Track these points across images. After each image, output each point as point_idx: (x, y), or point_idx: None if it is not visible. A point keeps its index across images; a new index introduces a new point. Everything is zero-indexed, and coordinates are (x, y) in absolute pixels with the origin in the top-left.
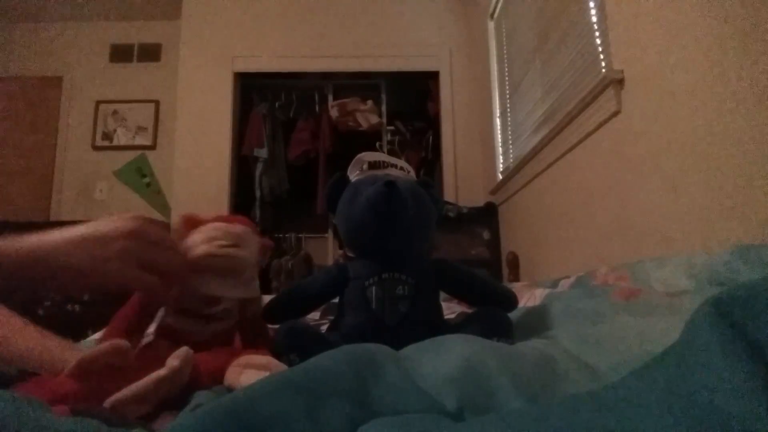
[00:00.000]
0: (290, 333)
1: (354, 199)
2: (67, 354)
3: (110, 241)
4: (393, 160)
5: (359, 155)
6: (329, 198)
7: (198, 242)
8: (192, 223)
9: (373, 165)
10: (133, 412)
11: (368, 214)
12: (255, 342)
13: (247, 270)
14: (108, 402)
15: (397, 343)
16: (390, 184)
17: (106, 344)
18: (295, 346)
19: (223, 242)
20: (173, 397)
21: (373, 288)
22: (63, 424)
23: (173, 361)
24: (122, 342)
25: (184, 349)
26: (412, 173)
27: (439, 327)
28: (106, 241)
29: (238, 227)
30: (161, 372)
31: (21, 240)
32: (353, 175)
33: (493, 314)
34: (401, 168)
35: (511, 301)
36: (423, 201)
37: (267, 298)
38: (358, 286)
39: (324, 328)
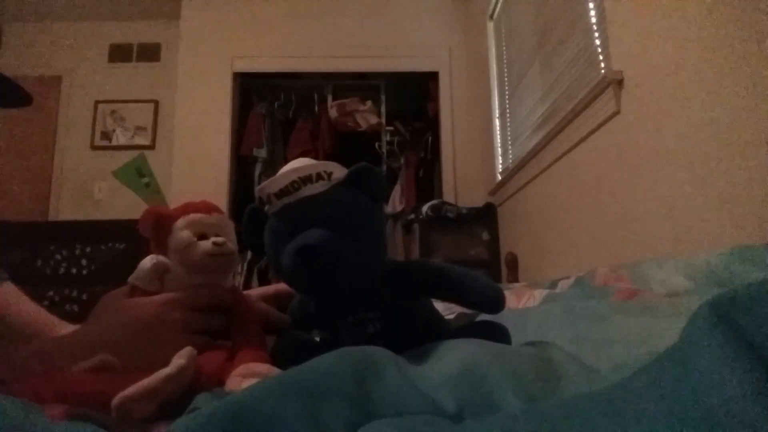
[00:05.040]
0: (290, 346)
1: (276, 255)
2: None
3: (159, 325)
4: (305, 170)
5: (261, 185)
6: (249, 241)
7: (190, 239)
8: (164, 218)
9: (281, 194)
10: (139, 411)
11: (298, 281)
12: (250, 340)
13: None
14: (116, 399)
15: None
16: (304, 253)
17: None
18: (295, 359)
19: (219, 239)
20: (176, 396)
21: (344, 333)
22: (58, 429)
23: (179, 359)
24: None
25: (188, 349)
26: (336, 171)
27: (435, 334)
28: (154, 327)
29: (217, 216)
30: (168, 370)
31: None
32: (266, 207)
33: (490, 328)
34: (318, 175)
35: (496, 301)
36: (358, 227)
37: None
38: (327, 335)
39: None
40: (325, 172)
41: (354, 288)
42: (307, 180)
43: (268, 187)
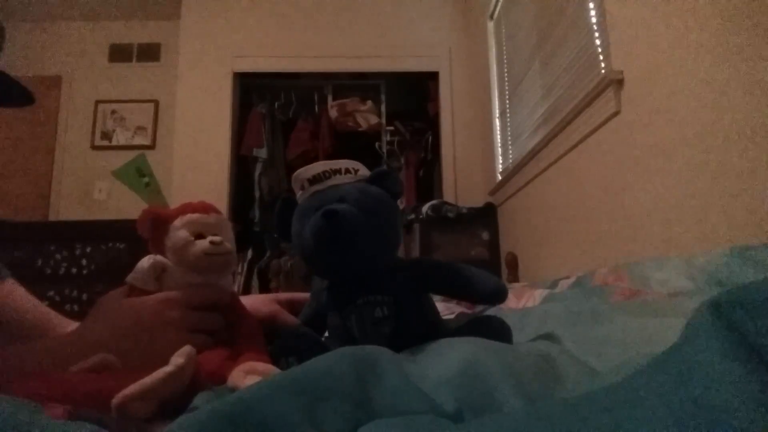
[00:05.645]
0: (290, 337)
1: (301, 230)
2: (64, 323)
3: (157, 327)
4: (335, 164)
5: (296, 172)
6: (279, 225)
7: (187, 239)
8: (161, 218)
9: (313, 180)
10: (139, 410)
11: (318, 250)
12: (251, 341)
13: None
14: (116, 398)
15: None
16: (329, 215)
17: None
18: (294, 350)
19: (216, 238)
20: (176, 396)
21: (352, 317)
22: (58, 429)
23: (178, 358)
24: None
25: (187, 347)
26: (362, 170)
27: (435, 333)
28: (153, 329)
29: (214, 216)
30: (167, 368)
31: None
32: (297, 195)
33: (491, 324)
34: (347, 170)
35: (498, 294)
36: (376, 210)
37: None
38: (336, 319)
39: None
40: (353, 168)
41: (368, 263)
42: (336, 172)
43: (302, 173)
